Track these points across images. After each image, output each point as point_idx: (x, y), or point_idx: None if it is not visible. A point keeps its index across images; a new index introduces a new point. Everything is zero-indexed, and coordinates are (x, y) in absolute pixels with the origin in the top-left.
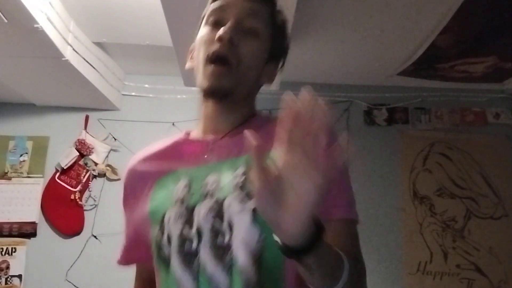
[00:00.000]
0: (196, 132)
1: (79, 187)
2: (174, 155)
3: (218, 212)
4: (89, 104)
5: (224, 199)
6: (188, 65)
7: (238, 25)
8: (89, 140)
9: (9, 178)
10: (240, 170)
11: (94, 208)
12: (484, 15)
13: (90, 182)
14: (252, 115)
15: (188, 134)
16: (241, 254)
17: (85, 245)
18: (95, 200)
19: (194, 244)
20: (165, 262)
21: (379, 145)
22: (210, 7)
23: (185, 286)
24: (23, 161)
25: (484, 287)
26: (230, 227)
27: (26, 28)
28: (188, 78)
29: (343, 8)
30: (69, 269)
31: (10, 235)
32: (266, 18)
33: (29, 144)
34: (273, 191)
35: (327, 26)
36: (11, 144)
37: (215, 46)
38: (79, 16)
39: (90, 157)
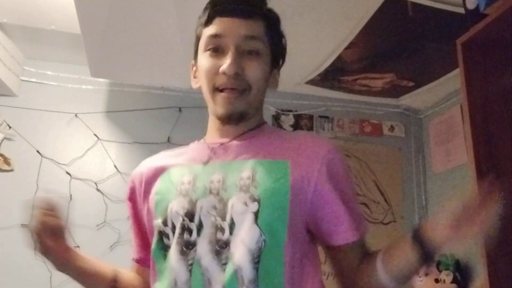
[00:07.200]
0: (206, 138)
1: None
2: (180, 155)
3: (221, 210)
4: None
5: (228, 199)
6: (194, 84)
7: (239, 52)
8: None
9: None
10: (246, 172)
11: None
12: (386, 36)
13: None
14: (261, 122)
15: (197, 142)
16: (239, 252)
17: None
18: None
19: (194, 236)
20: (165, 251)
21: None
22: (205, 32)
23: (179, 275)
24: None
25: None
26: (231, 226)
27: None
28: (96, 68)
29: None
30: None
31: None
32: (263, 31)
33: None
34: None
35: None
36: None
37: (221, 79)
38: None
39: None
